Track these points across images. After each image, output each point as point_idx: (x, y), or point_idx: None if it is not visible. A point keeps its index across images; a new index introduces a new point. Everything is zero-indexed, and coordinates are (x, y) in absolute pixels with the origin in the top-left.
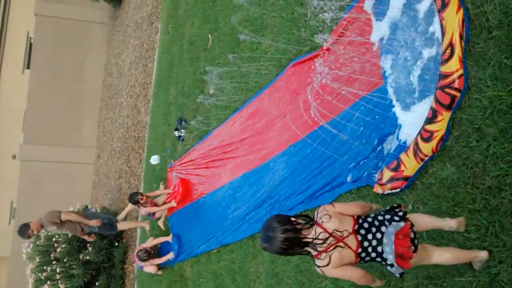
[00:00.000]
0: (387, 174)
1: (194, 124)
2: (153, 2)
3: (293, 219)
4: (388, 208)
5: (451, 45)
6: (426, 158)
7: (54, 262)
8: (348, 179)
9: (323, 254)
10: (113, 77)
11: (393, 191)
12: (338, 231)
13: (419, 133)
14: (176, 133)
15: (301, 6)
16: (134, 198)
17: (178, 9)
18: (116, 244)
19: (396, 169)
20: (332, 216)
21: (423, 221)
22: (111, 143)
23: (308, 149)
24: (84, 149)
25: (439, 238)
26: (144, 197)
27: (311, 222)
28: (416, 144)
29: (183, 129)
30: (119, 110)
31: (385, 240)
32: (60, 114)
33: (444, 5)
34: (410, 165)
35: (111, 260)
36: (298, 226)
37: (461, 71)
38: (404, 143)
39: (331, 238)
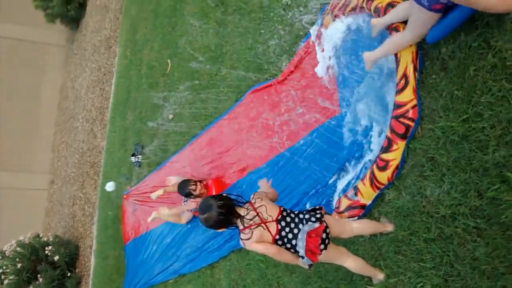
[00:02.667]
0: (345, 202)
1: (152, 150)
2: (111, 25)
3: (227, 198)
4: (310, 208)
5: (405, 75)
6: (382, 187)
7: None
8: (307, 206)
9: (247, 230)
10: (68, 101)
11: (351, 219)
12: (265, 213)
13: (375, 161)
14: (133, 159)
15: (260, 34)
16: (186, 189)
17: (136, 34)
18: (69, 274)
19: (353, 197)
20: (263, 199)
21: (355, 226)
22: (66, 168)
23: (267, 177)
24: (36, 174)
25: (396, 267)
26: (199, 186)
27: (244, 202)
28: (372, 172)
29: (140, 155)
30: (74, 135)
31: (299, 236)
32: (12, 137)
33: None
34: (366, 194)
35: None
36: (232, 203)
37: (414, 102)
38: (361, 171)
39: (257, 218)
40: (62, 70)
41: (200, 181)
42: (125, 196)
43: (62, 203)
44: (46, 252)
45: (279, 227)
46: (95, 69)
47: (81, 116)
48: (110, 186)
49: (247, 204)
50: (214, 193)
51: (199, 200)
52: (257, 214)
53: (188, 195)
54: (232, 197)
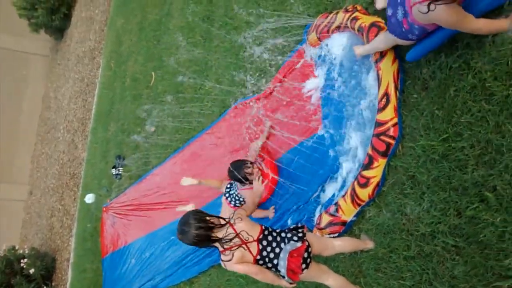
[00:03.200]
0: (326, 218)
1: (133, 162)
2: (96, 37)
3: (208, 218)
4: (292, 227)
5: (386, 94)
6: (363, 204)
7: None
8: (289, 222)
9: (228, 251)
10: (51, 111)
11: (332, 235)
12: (246, 233)
13: (356, 178)
14: (113, 171)
15: (246, 50)
16: (241, 172)
17: (121, 45)
18: (45, 287)
19: (334, 213)
20: (243, 219)
21: (336, 244)
22: (45, 179)
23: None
24: (15, 185)
25: (376, 284)
26: (255, 170)
27: (224, 222)
28: (353, 189)
29: (121, 167)
30: (55, 145)
31: (281, 255)
32: None
33: (381, 56)
34: (347, 210)
35: None
36: (211, 225)
37: (396, 120)
38: (342, 188)
39: (237, 239)
40: (45, 80)
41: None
42: (104, 209)
43: (40, 214)
44: (22, 264)
45: (260, 247)
46: (78, 79)
47: (63, 126)
48: (89, 198)
49: (227, 225)
50: (270, 178)
51: (251, 187)
52: (237, 235)
53: (243, 180)
54: (213, 219)
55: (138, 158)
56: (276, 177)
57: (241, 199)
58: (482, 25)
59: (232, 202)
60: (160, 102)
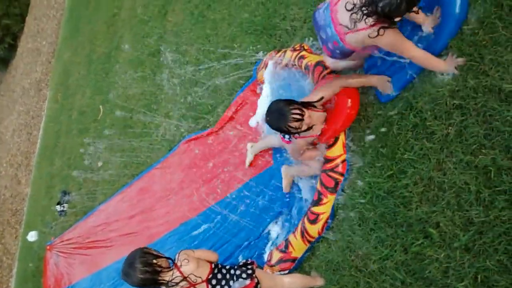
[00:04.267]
0: (276, 255)
1: (79, 198)
2: (42, 68)
3: (155, 261)
4: (241, 263)
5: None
6: (313, 240)
7: None
8: (240, 259)
9: None
10: None
11: (282, 273)
12: (194, 276)
13: (306, 214)
14: (58, 207)
15: (197, 84)
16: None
17: (69, 78)
18: None
19: (284, 250)
20: (190, 260)
21: (286, 281)
22: None
23: (199, 228)
24: None
25: None
26: (307, 113)
27: (171, 265)
28: (303, 225)
29: (66, 203)
30: None
31: None
32: None
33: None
34: (298, 247)
35: None
36: (158, 269)
37: (344, 156)
38: (293, 224)
39: (184, 282)
40: None
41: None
42: (48, 247)
43: None
44: None
45: (210, 287)
46: (23, 112)
47: (5, 160)
48: (32, 236)
49: (173, 266)
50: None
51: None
52: (185, 278)
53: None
54: (161, 261)
55: (84, 194)
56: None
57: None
58: (421, 54)
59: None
60: (107, 137)
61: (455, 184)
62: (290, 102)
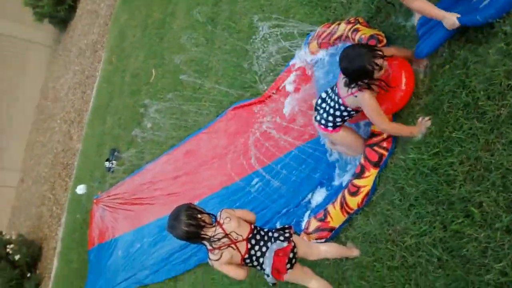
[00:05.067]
0: (314, 224)
1: (127, 156)
2: (99, 30)
3: (199, 215)
4: (279, 227)
5: None
6: (352, 212)
7: None
8: (277, 225)
9: (216, 251)
10: (48, 101)
11: (318, 241)
12: (235, 233)
13: (347, 186)
14: (107, 164)
15: (247, 54)
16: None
17: (124, 41)
18: (29, 275)
19: (322, 219)
20: (232, 219)
21: (322, 249)
22: (38, 167)
23: (240, 193)
24: (6, 171)
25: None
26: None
27: (213, 223)
28: (343, 197)
29: (115, 160)
30: (50, 135)
31: (267, 254)
32: None
33: None
34: (336, 217)
35: None
36: (202, 223)
37: None
38: (333, 194)
39: (226, 239)
40: (45, 69)
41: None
42: (95, 201)
43: (30, 202)
44: (8, 250)
45: (249, 246)
46: (78, 71)
47: (59, 117)
48: (81, 189)
49: (215, 223)
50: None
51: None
52: (227, 235)
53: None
54: (204, 217)
55: (132, 153)
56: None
57: (341, 108)
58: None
59: (323, 121)
60: (158, 99)
61: (502, 166)
62: (364, 44)
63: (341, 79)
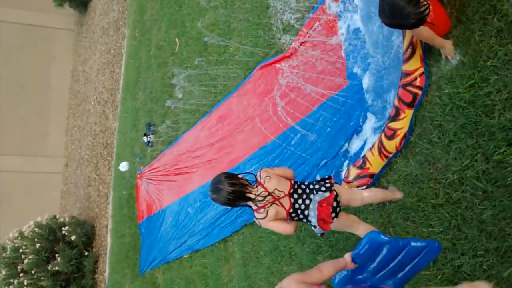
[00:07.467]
0: (354, 172)
1: (163, 129)
2: (119, 7)
3: (240, 175)
4: (319, 179)
5: (412, 44)
6: (390, 155)
7: (21, 275)
8: (317, 178)
9: (262, 209)
10: (80, 84)
11: (360, 188)
12: (277, 190)
13: (383, 130)
14: (145, 138)
15: (267, 9)
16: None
17: (144, 14)
18: (86, 253)
19: (361, 166)
20: (272, 177)
21: (364, 195)
22: (79, 151)
23: (277, 151)
24: (51, 158)
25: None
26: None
27: (254, 184)
28: (380, 141)
29: (152, 134)
30: (86, 117)
31: (311, 206)
32: (25, 123)
33: None
34: (375, 163)
35: (81, 270)
36: (245, 183)
37: (422, 69)
38: (369, 140)
39: (269, 197)
40: (72, 53)
41: None
42: (138, 176)
43: (77, 185)
44: (63, 232)
45: (292, 200)
46: (104, 51)
47: (93, 98)
48: (123, 166)
49: (256, 184)
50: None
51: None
52: (269, 193)
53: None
54: (246, 178)
55: (167, 125)
56: None
57: None
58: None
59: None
60: (185, 68)
61: None
62: None
63: None
